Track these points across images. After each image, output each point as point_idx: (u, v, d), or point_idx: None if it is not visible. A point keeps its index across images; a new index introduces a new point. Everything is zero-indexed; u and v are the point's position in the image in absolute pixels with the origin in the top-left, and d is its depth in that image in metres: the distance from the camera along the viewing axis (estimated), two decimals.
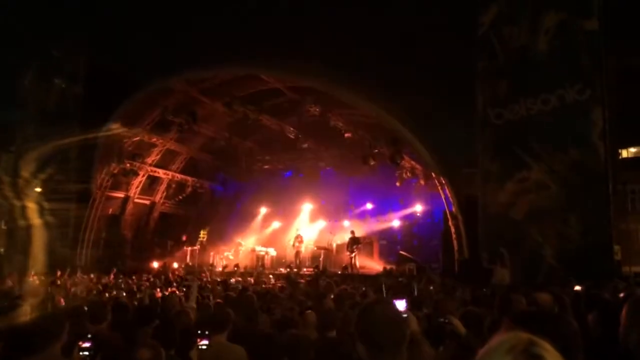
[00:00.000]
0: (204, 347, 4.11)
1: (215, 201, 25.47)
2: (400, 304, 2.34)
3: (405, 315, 2.31)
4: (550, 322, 1.96)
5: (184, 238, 21.82)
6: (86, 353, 3.68)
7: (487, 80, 15.59)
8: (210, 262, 20.67)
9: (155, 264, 20.48)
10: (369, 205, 22.54)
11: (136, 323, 5.55)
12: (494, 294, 6.65)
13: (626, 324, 2.16)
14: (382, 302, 2.32)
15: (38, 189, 15.41)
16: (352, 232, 20.07)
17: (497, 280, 11.78)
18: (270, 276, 16.03)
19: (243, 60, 17.49)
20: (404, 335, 2.10)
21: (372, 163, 19.47)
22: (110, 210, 21.92)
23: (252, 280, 13.42)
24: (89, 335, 3.86)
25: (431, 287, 10.68)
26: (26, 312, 4.47)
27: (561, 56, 14.44)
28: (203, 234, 22.46)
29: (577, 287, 7.28)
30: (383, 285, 8.51)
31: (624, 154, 17.87)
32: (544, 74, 14.56)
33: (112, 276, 14.25)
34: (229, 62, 18.18)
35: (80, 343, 3.70)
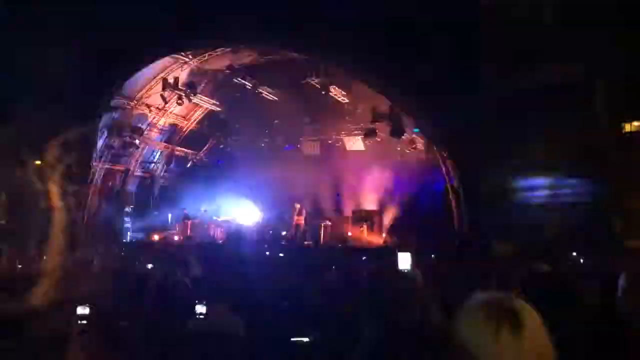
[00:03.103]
0: (202, 316, 4.14)
1: (215, 174, 25.46)
2: (405, 257, 2.33)
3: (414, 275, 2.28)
4: (557, 289, 1.97)
5: (185, 211, 21.84)
6: (84, 321, 3.70)
7: (491, 52, 15.37)
8: (211, 234, 20.79)
9: (156, 237, 20.59)
10: (370, 179, 22.51)
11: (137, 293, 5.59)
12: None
13: (623, 291, 2.16)
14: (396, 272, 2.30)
15: (61, 172, 15.21)
16: (353, 208, 20.22)
17: (494, 252, 11.76)
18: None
19: (241, 32, 17.24)
20: (414, 307, 2.10)
21: (373, 136, 19.49)
22: (111, 183, 21.94)
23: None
24: (87, 304, 3.87)
25: (432, 256, 10.90)
26: (41, 293, 4.44)
27: (568, 27, 14.22)
28: (204, 207, 22.51)
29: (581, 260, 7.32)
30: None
31: (627, 127, 17.74)
32: (550, 45, 14.35)
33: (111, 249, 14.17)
34: (228, 34, 17.93)
35: (79, 310, 3.71)
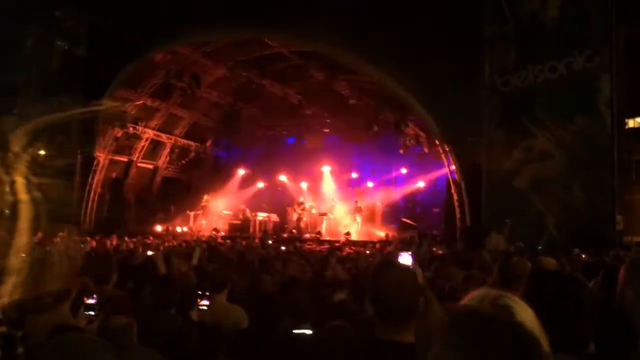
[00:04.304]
0: (204, 307, 4.15)
1: (218, 166, 25.48)
2: (406, 258, 2.31)
3: (415, 271, 2.27)
4: (568, 283, 1.97)
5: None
6: (92, 312, 3.74)
7: (495, 47, 15.33)
8: (214, 226, 20.82)
9: (159, 228, 20.63)
10: (372, 173, 22.52)
11: (140, 283, 5.60)
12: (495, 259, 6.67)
13: (623, 283, 2.16)
14: (398, 266, 2.29)
15: (27, 161, 15.06)
16: (356, 201, 20.23)
17: (491, 246, 11.74)
18: (270, 241, 16.09)
19: (246, 23, 17.22)
20: (416, 302, 2.10)
21: (375, 129, 19.44)
22: (114, 174, 21.96)
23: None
24: (94, 295, 3.90)
25: (434, 249, 10.88)
26: (8, 290, 4.43)
27: (571, 23, 14.18)
28: (206, 199, 22.54)
29: (583, 255, 7.32)
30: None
31: (630, 123, 17.69)
32: (554, 40, 14.32)
33: (114, 240, 14.06)
34: (233, 25, 17.90)
35: (86, 299, 3.75)
